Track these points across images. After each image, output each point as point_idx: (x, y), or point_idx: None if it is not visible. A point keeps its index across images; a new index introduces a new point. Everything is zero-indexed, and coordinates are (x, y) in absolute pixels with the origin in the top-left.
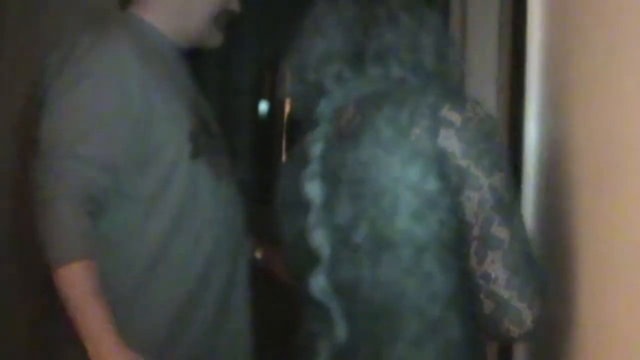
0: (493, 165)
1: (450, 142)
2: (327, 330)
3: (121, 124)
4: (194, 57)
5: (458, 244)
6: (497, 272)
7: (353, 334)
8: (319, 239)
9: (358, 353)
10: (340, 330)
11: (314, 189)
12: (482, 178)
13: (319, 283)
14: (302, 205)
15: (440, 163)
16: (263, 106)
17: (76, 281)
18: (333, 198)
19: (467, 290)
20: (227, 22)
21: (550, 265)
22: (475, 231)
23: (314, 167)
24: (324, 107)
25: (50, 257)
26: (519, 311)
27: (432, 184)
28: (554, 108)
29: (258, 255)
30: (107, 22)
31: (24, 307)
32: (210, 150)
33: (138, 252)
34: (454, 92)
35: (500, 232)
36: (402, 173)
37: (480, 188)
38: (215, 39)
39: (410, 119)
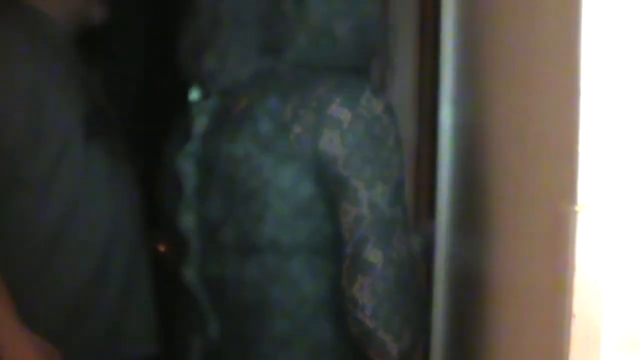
0: (377, 176)
1: (333, 146)
2: (200, 324)
3: (9, 107)
4: None
5: (332, 248)
6: (364, 299)
7: (224, 330)
8: (189, 225)
9: (229, 350)
10: (213, 326)
11: (187, 169)
12: (361, 191)
13: (189, 274)
14: (176, 182)
15: (319, 168)
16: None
17: None
18: (205, 188)
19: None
20: None
21: (467, 254)
22: (348, 249)
23: (193, 146)
24: (219, 80)
25: None
26: (384, 342)
27: (306, 190)
28: (469, 92)
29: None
30: None
31: None
32: (105, 134)
33: (34, 236)
34: (353, 77)
35: (373, 255)
36: (274, 176)
37: (359, 203)
38: (96, 13)
39: (293, 113)
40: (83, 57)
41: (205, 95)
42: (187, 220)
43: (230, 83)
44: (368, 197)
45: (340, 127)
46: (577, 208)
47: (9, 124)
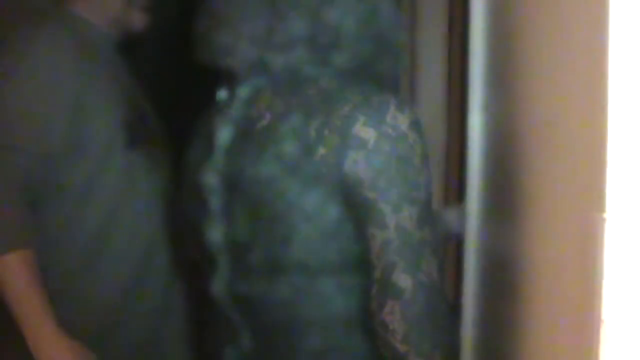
0: (403, 198)
1: (359, 167)
2: (232, 336)
3: (53, 114)
4: None
5: (362, 266)
6: (395, 324)
7: (257, 342)
8: (216, 241)
9: None
10: (245, 337)
11: (212, 184)
12: (388, 215)
13: (217, 291)
14: (201, 195)
15: (345, 190)
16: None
17: (14, 271)
18: (230, 204)
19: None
20: (149, 2)
21: (497, 258)
22: (377, 274)
23: (217, 159)
24: (241, 90)
25: None
26: None
27: (332, 213)
28: (501, 87)
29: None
30: (42, 16)
31: None
32: (146, 141)
33: (74, 242)
34: (378, 91)
35: (402, 280)
36: (300, 199)
37: (386, 227)
38: (139, 21)
39: (317, 134)
40: (125, 63)
41: (228, 95)
42: (214, 236)
43: (239, 65)
44: (395, 221)
45: (365, 147)
46: (605, 215)
47: (52, 130)
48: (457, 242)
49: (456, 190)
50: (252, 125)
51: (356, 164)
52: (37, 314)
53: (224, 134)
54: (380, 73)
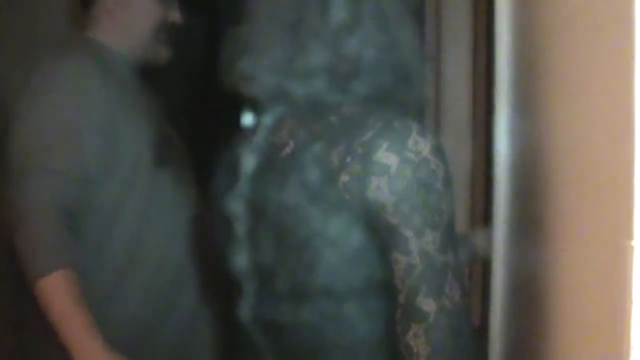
0: (426, 223)
1: (381, 193)
2: (258, 357)
3: (87, 136)
4: None
5: (386, 290)
6: (419, 347)
7: None
8: (242, 267)
9: None
10: (270, 359)
11: (238, 211)
12: (411, 240)
13: (243, 315)
14: (227, 222)
15: (368, 216)
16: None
17: (58, 291)
18: (256, 231)
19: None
20: (172, 35)
21: (525, 280)
22: (401, 298)
23: (242, 186)
24: (265, 118)
25: (31, 269)
26: None
27: (357, 239)
28: (526, 111)
29: None
30: (66, 43)
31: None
32: (172, 161)
33: (103, 263)
34: (399, 119)
35: (425, 304)
36: (324, 226)
37: (409, 252)
38: (161, 54)
39: (340, 161)
40: (147, 88)
41: (252, 123)
42: (240, 262)
43: (262, 94)
44: (418, 246)
45: (387, 173)
46: (633, 243)
47: (84, 152)
48: (483, 265)
49: (482, 213)
50: (276, 153)
51: (379, 190)
52: (84, 331)
53: (248, 162)
54: (402, 99)
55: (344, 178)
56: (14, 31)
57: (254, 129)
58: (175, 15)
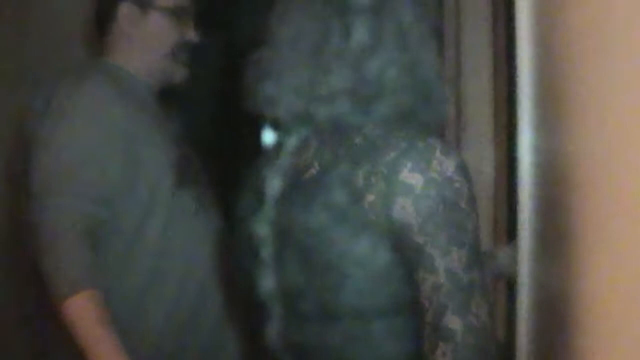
0: (451, 241)
1: (407, 213)
2: None
3: (109, 157)
4: None
5: (414, 309)
6: None
7: None
8: (268, 290)
9: None
10: None
11: (264, 234)
12: (437, 259)
13: (270, 339)
14: (252, 245)
15: (394, 236)
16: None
17: (83, 311)
18: (282, 253)
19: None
20: (189, 56)
21: (550, 297)
22: (428, 317)
23: (268, 209)
24: (289, 141)
25: (56, 290)
26: None
27: (383, 258)
28: (549, 124)
29: None
30: (85, 68)
31: (26, 338)
32: (193, 182)
33: (126, 284)
34: (422, 138)
35: (452, 322)
36: (351, 247)
37: (435, 271)
38: (179, 74)
39: (365, 182)
40: (166, 109)
41: (276, 145)
42: (267, 285)
43: (286, 116)
44: (444, 265)
45: (412, 192)
46: None
47: (107, 175)
48: (508, 282)
49: (505, 228)
50: (301, 174)
51: (404, 210)
52: (109, 352)
53: (273, 185)
54: (423, 118)
55: (369, 198)
56: (34, 59)
57: (277, 151)
58: (191, 35)
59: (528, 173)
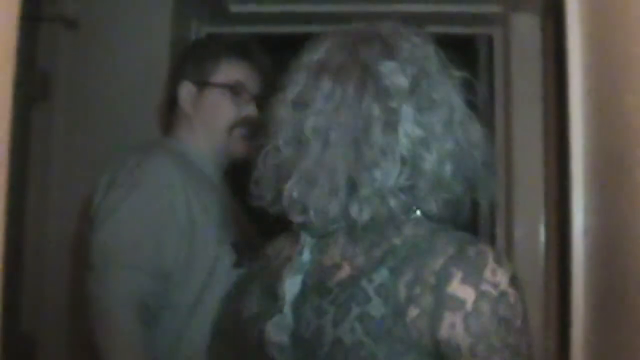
0: None
1: (455, 332)
2: None
3: (168, 234)
4: None
5: None
6: None
7: None
8: None
9: None
10: None
11: (281, 340)
12: None
13: None
14: (265, 348)
15: (439, 356)
16: None
17: None
18: None
19: None
20: (250, 129)
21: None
22: None
23: (285, 314)
24: (307, 238)
25: None
26: None
27: None
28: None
29: None
30: (150, 145)
31: None
32: (251, 260)
33: (182, 355)
34: (471, 242)
35: None
36: None
37: None
38: (241, 149)
39: (408, 293)
40: (229, 189)
41: (292, 236)
42: None
43: (318, 220)
44: None
45: (463, 308)
46: None
47: (164, 250)
48: None
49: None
50: (327, 276)
51: (453, 328)
52: None
53: (292, 286)
54: (466, 214)
55: (413, 312)
56: (109, 143)
57: (295, 243)
58: (251, 110)
59: (581, 288)
